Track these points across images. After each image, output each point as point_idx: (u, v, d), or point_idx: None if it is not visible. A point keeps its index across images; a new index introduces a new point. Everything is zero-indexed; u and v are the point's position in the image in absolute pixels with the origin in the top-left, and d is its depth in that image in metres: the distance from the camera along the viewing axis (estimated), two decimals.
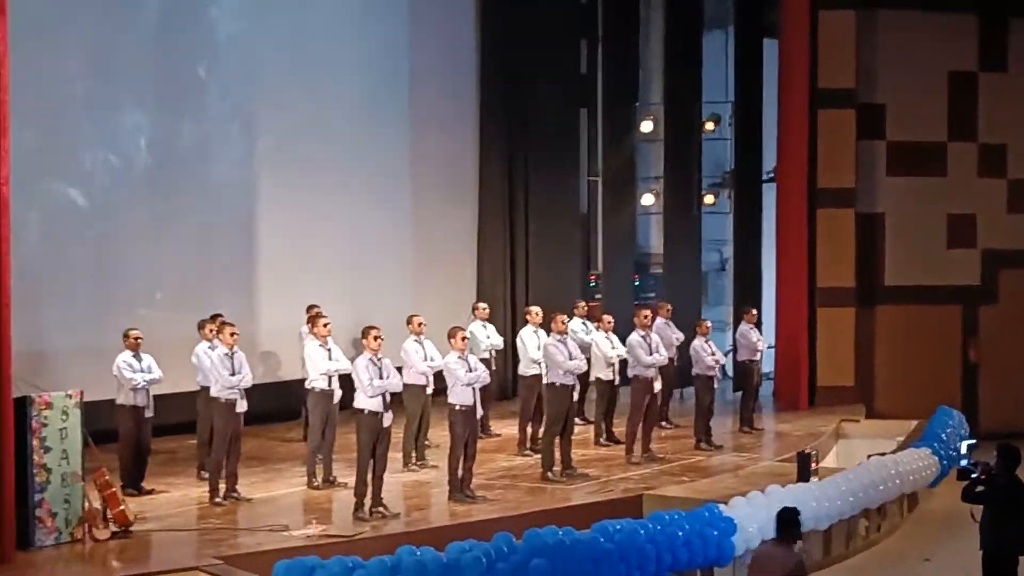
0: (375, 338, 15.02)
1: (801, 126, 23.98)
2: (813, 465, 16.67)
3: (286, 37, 21.51)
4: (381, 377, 14.85)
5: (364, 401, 14.85)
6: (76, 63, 18.87)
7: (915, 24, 24.88)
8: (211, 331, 16.58)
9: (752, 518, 14.60)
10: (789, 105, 24.11)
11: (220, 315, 17.22)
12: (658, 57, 26.35)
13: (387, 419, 14.83)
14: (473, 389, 15.59)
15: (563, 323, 17.63)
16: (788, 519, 11.19)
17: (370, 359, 14.93)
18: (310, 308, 18.57)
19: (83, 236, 18.92)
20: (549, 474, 16.86)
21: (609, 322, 19.84)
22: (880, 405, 24.18)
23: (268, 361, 20.57)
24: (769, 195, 25.36)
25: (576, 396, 17.68)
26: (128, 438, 15.86)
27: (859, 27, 24.27)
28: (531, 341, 19.34)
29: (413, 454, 17.67)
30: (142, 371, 15.79)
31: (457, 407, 15.61)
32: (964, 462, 13.62)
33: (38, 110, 17.59)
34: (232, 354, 15.61)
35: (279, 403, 20.23)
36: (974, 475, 13.09)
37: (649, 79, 26.56)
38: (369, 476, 14.80)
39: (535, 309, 19.87)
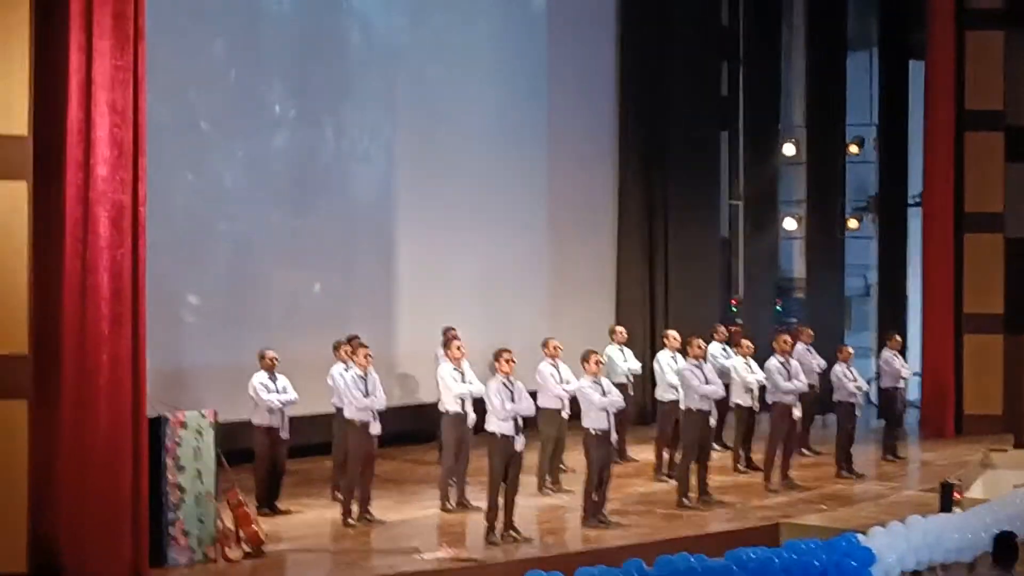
0: (507, 360, 14.92)
1: (947, 149, 23.46)
2: (956, 495, 16.25)
3: (426, 63, 21.53)
4: (513, 400, 14.75)
5: (496, 424, 14.77)
6: (214, 82, 19.03)
7: None
8: (346, 352, 16.62)
9: (891, 548, 14.24)
10: (935, 127, 23.61)
11: (356, 336, 17.21)
12: (800, 79, 26.06)
13: (519, 443, 14.72)
14: (608, 413, 15.44)
15: (700, 347, 17.39)
16: (1004, 543, 10.89)
17: (502, 382, 14.85)
18: (445, 331, 18.55)
19: (219, 254, 19.07)
20: (685, 500, 16.64)
21: (749, 347, 19.52)
22: None
23: (404, 383, 20.58)
24: (915, 219, 24.87)
25: (714, 422, 17.38)
26: (263, 458, 15.95)
27: (1007, 47, 23.63)
28: (668, 366, 19.10)
29: (548, 478, 17.56)
30: (277, 392, 15.86)
31: (591, 431, 15.46)
32: None
33: (174, 129, 17.76)
34: (366, 376, 15.60)
35: (415, 425, 20.22)
36: None
37: (791, 101, 26.27)
38: (501, 500, 14.70)
39: (672, 333, 19.61)
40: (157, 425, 13.38)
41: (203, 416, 13.72)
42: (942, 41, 23.52)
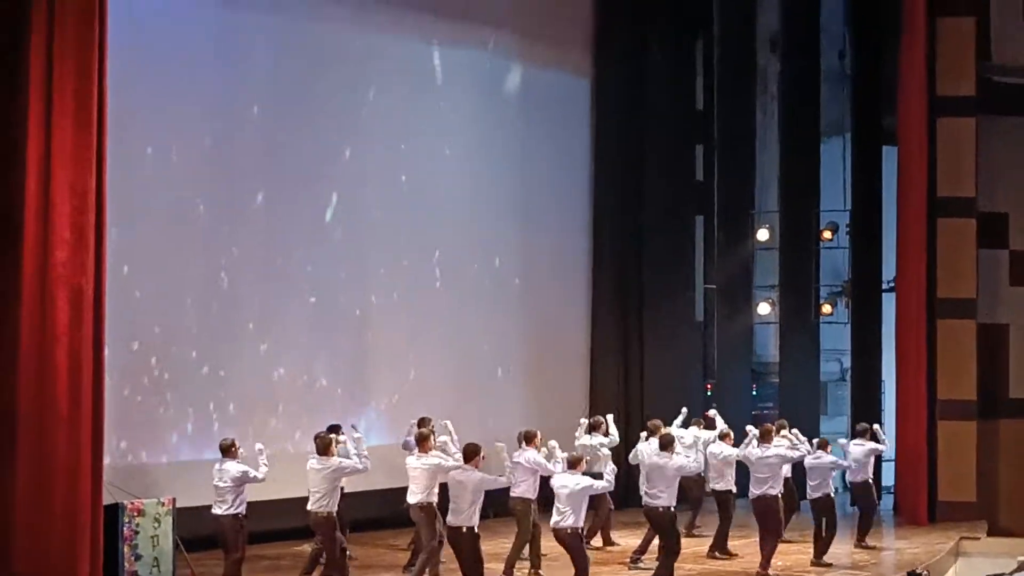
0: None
1: (920, 235, 23.48)
2: None
3: (399, 145, 21.44)
4: None
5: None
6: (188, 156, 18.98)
7: None
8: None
9: None
10: (907, 213, 23.66)
11: (337, 426, 17.11)
12: (775, 164, 26.10)
13: None
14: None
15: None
16: None
17: None
18: (420, 421, 18.39)
19: (183, 338, 18.68)
20: None
21: (728, 437, 19.49)
22: (1004, 522, 23.45)
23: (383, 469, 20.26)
24: (889, 304, 24.84)
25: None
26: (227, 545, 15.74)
27: (979, 134, 23.79)
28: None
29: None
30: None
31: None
32: None
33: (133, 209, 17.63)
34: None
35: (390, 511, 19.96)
36: None
37: (766, 186, 26.30)
38: None
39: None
40: (114, 512, 13.20)
41: (161, 503, 13.56)
42: (914, 128, 23.62)
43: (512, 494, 17.11)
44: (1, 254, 12.73)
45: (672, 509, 16.56)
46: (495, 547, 18.63)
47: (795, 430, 19.68)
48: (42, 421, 12.62)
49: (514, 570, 16.89)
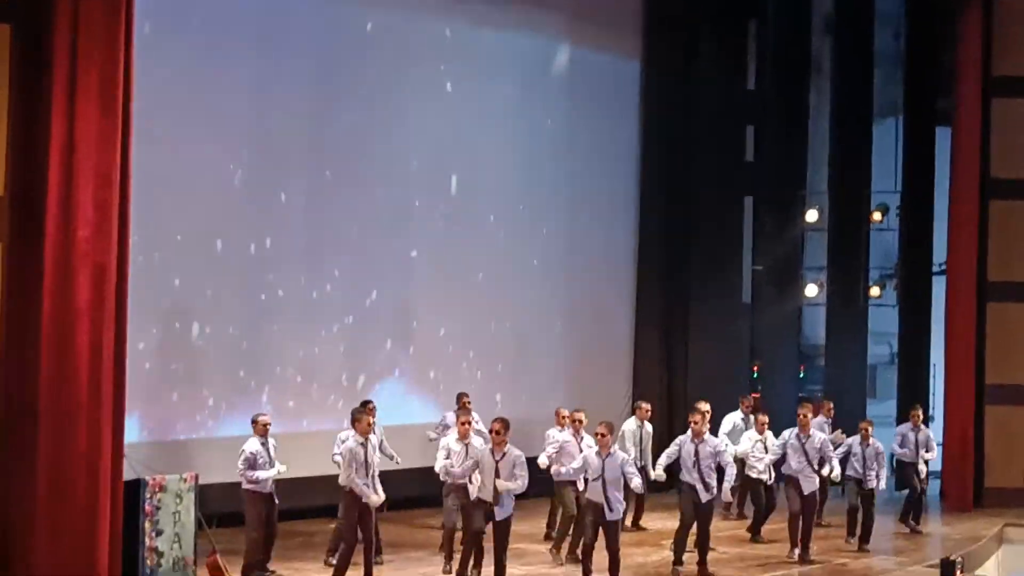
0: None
1: (972, 216, 23.24)
2: (958, 573, 15.90)
3: (446, 129, 21.39)
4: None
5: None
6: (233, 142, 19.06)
7: None
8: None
9: None
10: (960, 195, 23.40)
11: (369, 402, 17.14)
12: (825, 144, 25.85)
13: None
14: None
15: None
16: None
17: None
18: (460, 396, 18.44)
19: (209, 315, 18.69)
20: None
21: (764, 424, 19.31)
22: None
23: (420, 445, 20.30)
24: (939, 287, 24.57)
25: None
26: (254, 522, 15.79)
27: None
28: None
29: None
30: (269, 458, 15.63)
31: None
32: None
33: (163, 187, 17.66)
34: (365, 443, 15.43)
35: (425, 489, 20.02)
36: None
37: (817, 167, 26.05)
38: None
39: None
40: (135, 488, 13.28)
41: (183, 479, 13.63)
42: (968, 108, 23.35)
43: (558, 478, 17.18)
44: (25, 232, 12.79)
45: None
46: (532, 527, 18.75)
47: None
48: (64, 397, 12.67)
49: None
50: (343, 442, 15.87)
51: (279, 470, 15.43)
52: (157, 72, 16.14)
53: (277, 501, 15.84)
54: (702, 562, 16.58)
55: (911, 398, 23.10)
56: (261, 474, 14.97)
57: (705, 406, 18.54)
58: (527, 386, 22.14)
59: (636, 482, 15.36)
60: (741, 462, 19.24)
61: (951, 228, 23.63)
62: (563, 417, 18.00)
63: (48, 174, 12.68)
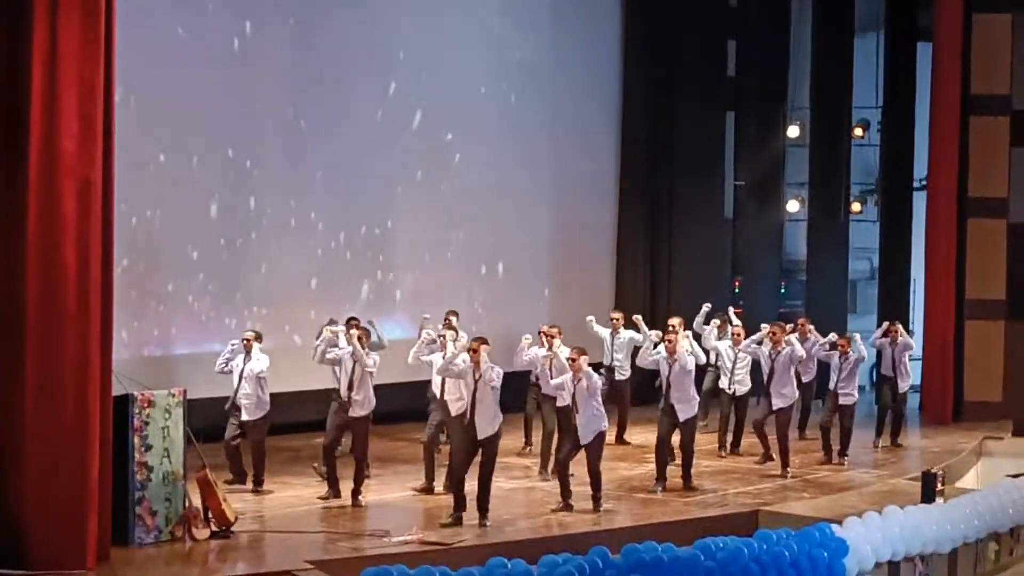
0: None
1: (952, 133, 23.30)
2: (939, 485, 16.04)
3: (426, 52, 21.33)
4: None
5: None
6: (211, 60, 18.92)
7: None
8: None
9: (866, 539, 14.09)
10: (940, 111, 23.44)
11: (354, 318, 17.16)
12: (807, 60, 25.77)
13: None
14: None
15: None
16: None
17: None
18: (447, 314, 18.43)
19: (197, 230, 18.80)
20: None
21: (739, 335, 19.38)
22: None
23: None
24: (920, 203, 24.65)
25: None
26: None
27: (1015, 30, 23.38)
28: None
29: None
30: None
31: None
32: None
33: (148, 108, 17.64)
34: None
35: (413, 403, 20.07)
36: None
37: (799, 82, 26.01)
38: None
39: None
40: (124, 404, 13.28)
41: (172, 395, 13.62)
42: (949, 24, 23.36)
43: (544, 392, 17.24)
44: (8, 146, 12.64)
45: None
46: (519, 441, 18.85)
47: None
48: (51, 313, 12.55)
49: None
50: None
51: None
52: None
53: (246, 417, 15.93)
54: (686, 476, 16.71)
55: (891, 313, 23.19)
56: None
57: (675, 320, 18.67)
58: (510, 302, 22.18)
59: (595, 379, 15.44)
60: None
61: (932, 144, 23.71)
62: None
63: (32, 84, 12.49)
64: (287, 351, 18.44)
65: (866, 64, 25.79)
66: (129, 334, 16.84)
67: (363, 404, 15.51)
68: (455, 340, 16.39)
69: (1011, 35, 23.37)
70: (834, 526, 14.17)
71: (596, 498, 15.38)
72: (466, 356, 14.91)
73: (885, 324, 20.80)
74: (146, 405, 13.42)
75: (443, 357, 15.82)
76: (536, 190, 23.03)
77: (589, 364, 15.58)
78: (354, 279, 20.58)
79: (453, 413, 15.63)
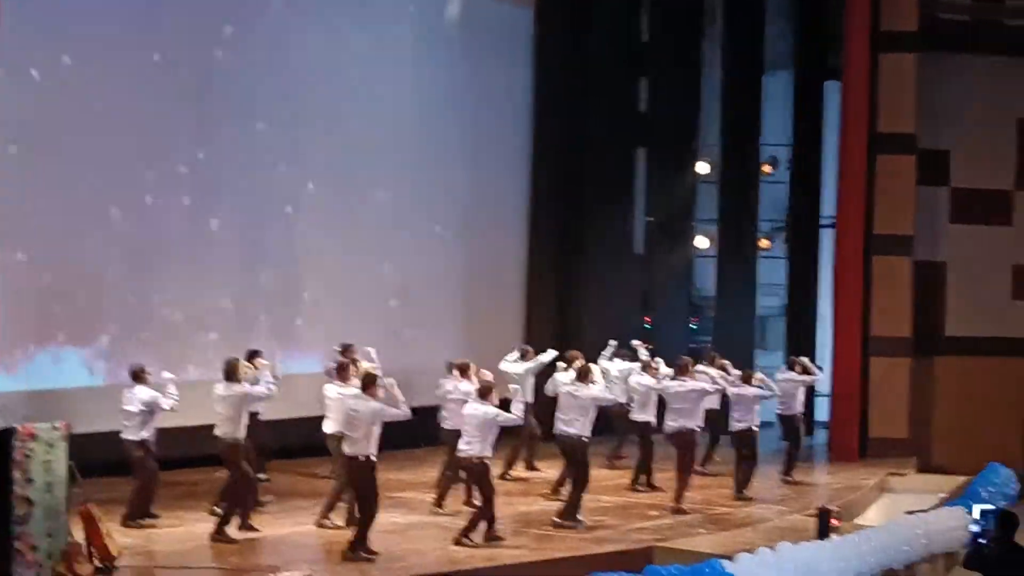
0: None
1: (860, 171, 23.54)
2: (835, 522, 16.09)
3: (341, 80, 21.23)
4: None
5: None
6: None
7: (981, 69, 24.40)
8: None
9: (756, 575, 14.09)
10: (848, 149, 23.67)
11: (257, 352, 17.05)
12: (718, 98, 25.94)
13: None
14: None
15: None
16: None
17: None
18: (344, 348, 18.29)
19: (90, 260, 18.43)
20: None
21: (655, 368, 19.41)
22: (938, 459, 23.63)
23: (300, 396, 20.22)
24: (828, 240, 24.85)
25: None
26: (137, 471, 15.74)
27: (921, 71, 23.67)
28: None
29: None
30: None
31: None
32: (975, 527, 13.07)
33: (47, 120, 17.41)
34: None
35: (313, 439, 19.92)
36: (981, 540, 12.54)
37: (709, 120, 26.16)
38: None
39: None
40: (6, 437, 13.08)
41: (55, 428, 13.42)
42: (857, 63, 23.61)
43: (445, 426, 17.19)
44: None
45: (584, 439, 16.48)
46: (422, 476, 18.72)
47: (725, 362, 19.77)
48: None
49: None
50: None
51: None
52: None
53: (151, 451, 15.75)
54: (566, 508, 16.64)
55: (798, 349, 23.34)
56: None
57: (576, 354, 18.73)
58: (419, 337, 22.06)
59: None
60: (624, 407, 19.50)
61: (840, 181, 23.94)
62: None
63: None
64: (191, 385, 18.17)
65: (776, 102, 26.03)
66: (9, 366, 16.58)
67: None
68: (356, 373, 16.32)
69: (915, 75, 23.62)
70: (725, 562, 14.15)
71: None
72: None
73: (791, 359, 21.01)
74: (28, 438, 13.21)
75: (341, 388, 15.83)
76: (448, 223, 22.97)
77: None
78: (258, 312, 20.37)
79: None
